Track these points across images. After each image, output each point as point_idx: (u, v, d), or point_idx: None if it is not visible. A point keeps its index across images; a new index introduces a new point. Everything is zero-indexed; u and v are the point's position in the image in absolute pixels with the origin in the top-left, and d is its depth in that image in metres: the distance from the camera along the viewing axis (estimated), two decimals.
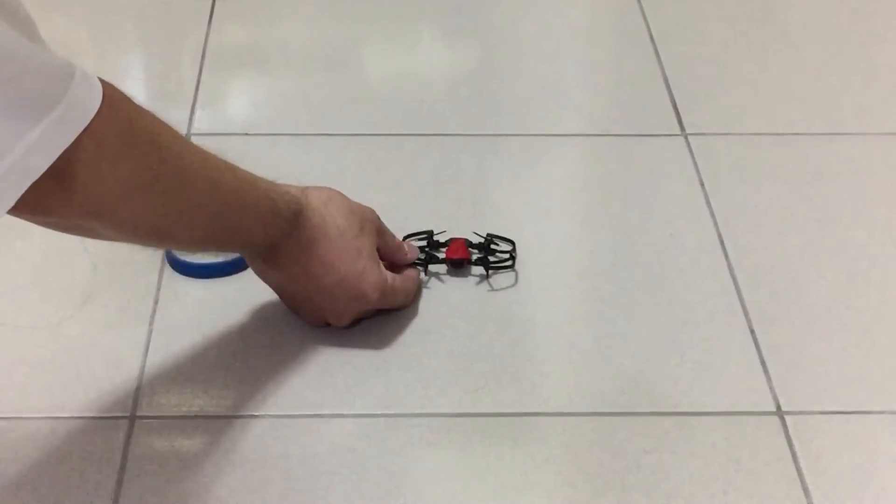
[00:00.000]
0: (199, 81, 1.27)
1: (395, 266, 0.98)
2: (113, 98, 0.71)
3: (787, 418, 0.90)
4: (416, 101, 1.26)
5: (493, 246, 1.03)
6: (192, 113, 1.22)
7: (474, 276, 1.02)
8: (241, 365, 0.93)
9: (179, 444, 0.87)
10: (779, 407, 0.91)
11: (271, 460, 0.86)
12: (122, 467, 0.85)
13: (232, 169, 0.84)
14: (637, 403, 0.91)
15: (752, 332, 0.98)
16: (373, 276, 0.92)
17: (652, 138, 1.20)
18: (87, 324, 0.97)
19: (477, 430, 0.89)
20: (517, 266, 1.02)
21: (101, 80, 0.71)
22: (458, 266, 1.02)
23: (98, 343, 0.95)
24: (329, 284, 0.91)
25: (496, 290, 1.01)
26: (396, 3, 1.42)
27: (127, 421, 0.89)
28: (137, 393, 0.91)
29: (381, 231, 0.96)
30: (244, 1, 1.42)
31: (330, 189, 0.94)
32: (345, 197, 0.94)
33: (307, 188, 0.91)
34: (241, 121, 1.26)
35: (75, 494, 0.83)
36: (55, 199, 0.69)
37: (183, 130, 1.19)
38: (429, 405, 0.91)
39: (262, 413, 0.90)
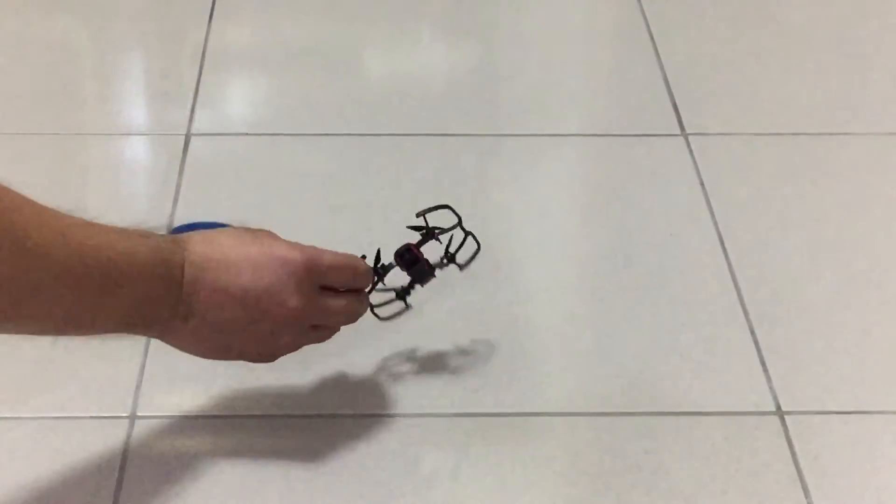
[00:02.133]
0: (199, 81, 1.27)
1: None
2: None
3: (787, 418, 0.90)
4: (416, 101, 1.26)
5: (437, 229, 0.91)
6: (192, 113, 1.22)
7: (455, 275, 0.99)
8: (241, 365, 0.93)
9: (179, 444, 0.87)
10: (779, 407, 0.91)
11: (271, 460, 0.86)
12: (122, 467, 0.85)
13: (96, 228, 0.73)
14: (637, 403, 0.91)
15: (752, 332, 0.97)
16: (284, 243, 0.80)
17: (652, 138, 1.20)
18: None
19: (477, 430, 0.89)
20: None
21: None
22: (423, 278, 0.91)
23: (98, 343, 0.95)
24: (249, 281, 0.78)
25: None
26: (396, 3, 1.42)
27: (127, 421, 0.89)
28: (137, 393, 0.91)
29: (311, 272, 0.81)
30: (244, 1, 1.42)
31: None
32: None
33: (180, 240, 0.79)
34: (241, 121, 1.26)
35: (75, 494, 0.83)
36: None
37: (183, 130, 1.19)
38: (429, 405, 0.91)
39: (263, 413, 0.90)
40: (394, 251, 0.89)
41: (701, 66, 1.32)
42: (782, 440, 0.89)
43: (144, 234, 0.76)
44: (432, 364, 0.94)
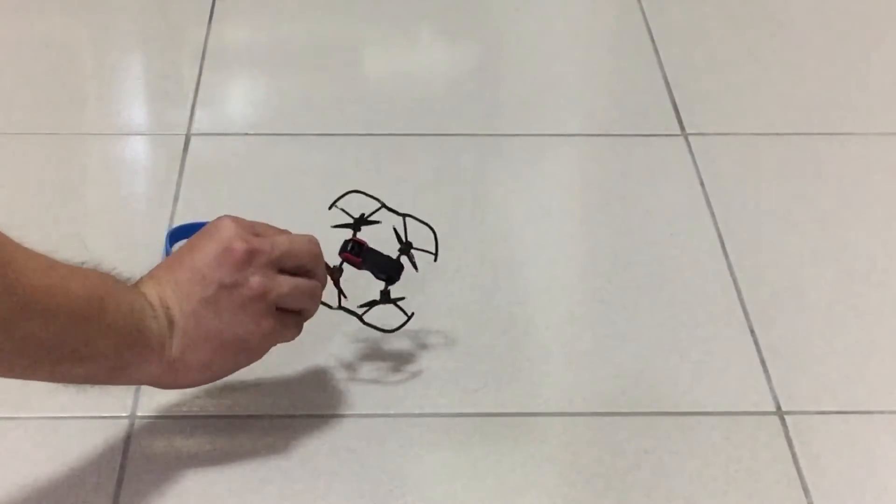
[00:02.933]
0: (199, 81, 1.27)
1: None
2: None
3: (787, 418, 0.90)
4: (416, 101, 1.26)
5: (363, 216, 0.90)
6: (192, 113, 1.22)
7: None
8: None
9: (179, 444, 0.87)
10: (779, 407, 0.91)
11: (271, 460, 0.86)
12: (122, 467, 0.85)
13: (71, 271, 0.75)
14: (637, 403, 0.91)
15: (752, 332, 0.97)
16: (225, 222, 0.82)
17: (652, 138, 1.20)
18: None
19: (477, 430, 0.89)
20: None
21: None
22: (363, 252, 0.89)
23: None
24: (198, 262, 0.80)
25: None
26: (396, 3, 1.42)
27: (127, 421, 0.89)
28: (137, 393, 0.91)
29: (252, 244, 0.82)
30: (244, 1, 1.42)
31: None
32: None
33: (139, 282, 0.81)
34: (241, 121, 1.26)
35: (75, 494, 0.83)
36: None
37: (183, 130, 1.19)
38: (429, 405, 0.91)
39: (263, 413, 0.90)
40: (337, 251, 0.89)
41: (701, 66, 1.32)
42: (782, 440, 0.88)
43: (102, 274, 0.78)
44: (432, 364, 0.94)
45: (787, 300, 1.01)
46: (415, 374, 0.93)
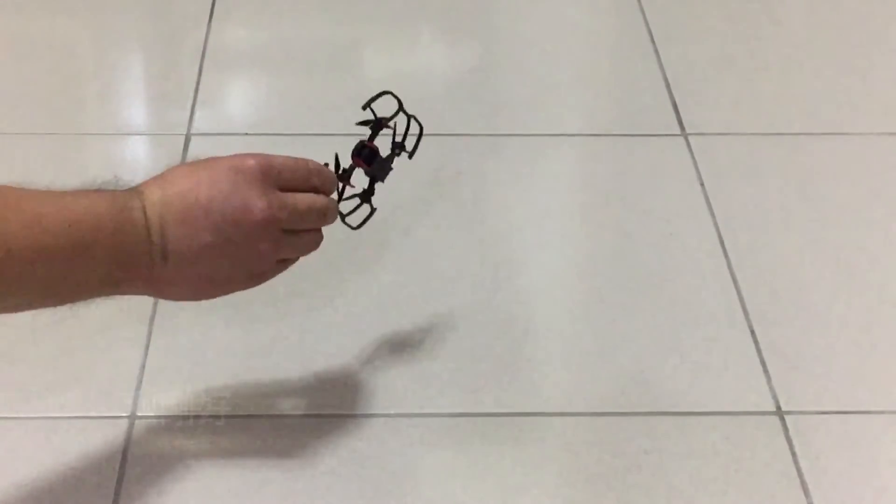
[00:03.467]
0: (199, 81, 1.27)
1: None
2: None
3: (787, 418, 0.90)
4: (416, 101, 1.26)
5: (382, 119, 0.89)
6: (192, 113, 1.22)
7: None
8: (241, 365, 0.93)
9: (179, 444, 0.87)
10: (779, 407, 0.91)
11: (271, 460, 0.86)
12: (122, 467, 0.85)
13: (53, 200, 0.73)
14: (637, 403, 0.91)
15: (752, 332, 0.98)
16: (226, 156, 0.81)
17: (652, 138, 1.20)
18: (88, 324, 0.97)
19: (477, 430, 0.89)
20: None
21: None
22: (372, 160, 0.88)
23: (98, 343, 0.95)
24: (207, 196, 0.77)
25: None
26: (396, 3, 1.42)
27: (127, 421, 0.89)
28: (137, 393, 0.91)
29: (266, 171, 0.82)
30: (244, 1, 1.42)
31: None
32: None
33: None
34: (241, 121, 1.26)
35: (75, 494, 0.83)
36: None
37: (183, 130, 1.19)
38: (429, 405, 0.91)
39: (263, 413, 0.90)
40: (350, 153, 0.87)
41: (701, 66, 1.32)
42: (782, 440, 0.89)
43: (99, 191, 0.76)
44: (432, 364, 0.94)
45: (787, 300, 1.01)
46: (415, 374, 0.93)
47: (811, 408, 0.91)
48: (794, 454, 0.87)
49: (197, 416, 0.89)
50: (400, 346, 0.95)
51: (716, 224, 1.08)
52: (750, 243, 1.06)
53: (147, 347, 0.94)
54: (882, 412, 0.91)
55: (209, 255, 0.78)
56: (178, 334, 0.96)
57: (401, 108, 0.90)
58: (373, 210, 0.90)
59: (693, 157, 1.17)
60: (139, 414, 0.89)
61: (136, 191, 0.77)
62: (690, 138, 1.19)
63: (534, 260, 1.04)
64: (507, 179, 1.15)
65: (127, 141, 1.22)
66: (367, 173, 0.89)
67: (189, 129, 1.19)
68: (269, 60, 1.34)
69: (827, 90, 1.28)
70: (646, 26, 1.37)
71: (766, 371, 0.94)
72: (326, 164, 0.86)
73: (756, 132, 1.21)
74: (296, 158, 0.84)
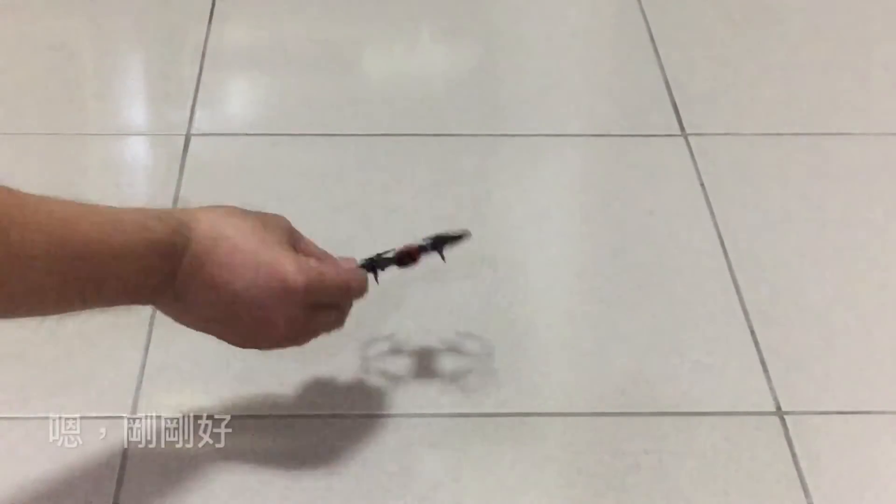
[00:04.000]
0: (199, 81, 1.27)
1: None
2: None
3: (787, 418, 0.90)
4: (416, 101, 1.26)
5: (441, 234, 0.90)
6: (192, 113, 1.22)
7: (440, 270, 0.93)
8: (241, 365, 0.93)
9: (179, 445, 0.87)
10: (779, 407, 0.91)
11: (271, 460, 0.86)
12: (122, 467, 0.85)
13: (87, 215, 0.74)
14: (637, 403, 0.91)
15: (752, 332, 0.98)
16: (290, 259, 0.79)
17: (652, 138, 1.20)
18: (87, 324, 0.97)
19: (477, 430, 0.89)
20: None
21: None
22: (407, 262, 0.88)
23: (98, 343, 0.95)
24: (243, 286, 0.77)
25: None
26: (396, 3, 1.42)
27: (127, 421, 0.89)
28: (137, 393, 0.91)
29: (295, 237, 0.83)
30: (244, 1, 1.42)
31: (222, 205, 0.82)
32: (240, 207, 0.82)
33: (192, 209, 0.80)
34: (241, 121, 1.26)
35: (75, 494, 0.83)
36: None
37: (183, 131, 1.19)
38: (429, 405, 0.91)
39: (263, 413, 0.90)
40: (398, 250, 0.88)
41: (701, 66, 1.32)
42: (782, 440, 0.89)
43: (144, 226, 0.75)
44: (432, 364, 0.94)
45: (787, 300, 1.01)
46: (415, 374, 0.93)
47: (811, 408, 0.91)
48: (794, 454, 0.87)
49: (196, 417, 0.89)
50: (400, 346, 0.95)
51: (716, 224, 1.08)
52: (750, 243, 1.06)
53: (147, 347, 0.94)
54: (882, 412, 0.91)
55: (216, 320, 0.80)
56: (178, 334, 0.95)
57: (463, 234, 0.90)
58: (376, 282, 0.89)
59: (693, 157, 1.17)
60: (139, 414, 0.89)
61: (185, 231, 0.77)
62: (690, 138, 1.19)
63: (534, 260, 1.04)
64: (507, 179, 1.15)
65: (127, 141, 1.22)
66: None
67: (189, 129, 1.19)
68: (269, 60, 1.34)
69: (827, 90, 1.28)
70: (646, 26, 1.37)
71: (766, 371, 0.94)
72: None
73: (756, 132, 1.21)
74: (343, 276, 0.83)
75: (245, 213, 0.80)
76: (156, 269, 0.76)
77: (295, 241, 0.82)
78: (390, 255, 0.87)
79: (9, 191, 0.70)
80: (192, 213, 0.79)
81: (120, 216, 0.75)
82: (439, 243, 0.89)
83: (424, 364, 0.94)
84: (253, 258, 0.77)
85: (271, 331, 0.80)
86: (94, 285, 0.74)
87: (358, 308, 0.99)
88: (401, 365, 0.94)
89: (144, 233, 0.75)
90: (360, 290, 0.85)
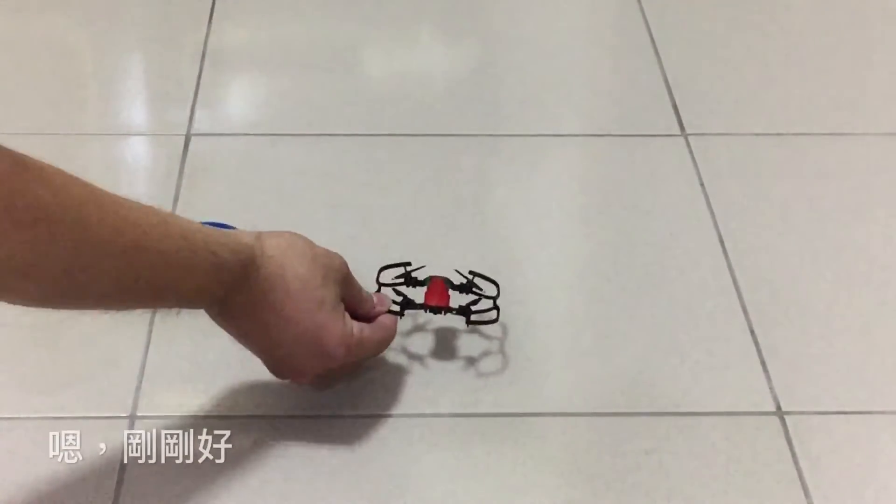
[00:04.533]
0: (199, 81, 1.27)
1: (362, 318, 0.89)
2: None
3: (787, 418, 0.90)
4: (416, 101, 1.26)
5: (475, 289, 0.93)
6: (192, 113, 1.22)
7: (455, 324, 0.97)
8: (241, 365, 0.93)
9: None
10: (779, 407, 0.91)
11: (271, 460, 0.86)
12: (122, 467, 0.85)
13: (163, 224, 0.77)
14: (637, 403, 0.91)
15: (752, 332, 0.98)
16: (336, 330, 0.84)
17: (652, 138, 1.20)
18: (87, 324, 0.97)
19: (477, 430, 0.89)
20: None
21: None
22: (437, 312, 0.92)
23: (98, 343, 0.95)
24: (287, 340, 0.83)
25: (482, 336, 0.97)
26: (396, 3, 1.42)
27: (127, 421, 0.89)
28: (137, 393, 0.91)
29: (348, 281, 0.88)
30: (244, 1, 1.42)
31: (292, 234, 0.86)
32: (309, 242, 0.86)
33: (264, 234, 0.83)
34: (241, 121, 1.26)
35: (75, 494, 0.83)
36: None
37: (183, 131, 1.19)
38: (429, 405, 0.91)
39: (262, 413, 0.90)
40: (429, 287, 0.93)
41: (701, 66, 1.32)
42: (782, 440, 0.89)
43: (213, 252, 0.79)
44: (432, 364, 0.94)
45: (787, 300, 1.01)
46: (415, 374, 0.93)
47: (811, 408, 0.91)
48: (794, 454, 0.87)
49: (196, 416, 0.89)
50: (400, 346, 0.95)
51: (716, 224, 1.08)
52: (750, 243, 1.06)
53: (147, 347, 0.94)
54: (882, 412, 0.91)
55: (247, 345, 0.86)
56: (178, 334, 0.96)
57: (496, 306, 0.94)
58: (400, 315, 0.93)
59: (693, 157, 1.17)
60: (139, 414, 0.89)
61: (255, 267, 0.81)
62: (690, 138, 1.19)
63: (534, 260, 1.04)
64: (507, 179, 1.15)
65: (127, 141, 1.22)
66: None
67: (189, 129, 1.19)
68: (269, 60, 1.34)
69: (827, 90, 1.28)
70: (646, 26, 1.37)
71: (766, 371, 0.94)
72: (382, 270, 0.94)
73: (756, 132, 1.21)
74: (378, 346, 0.90)
75: (311, 259, 0.84)
76: (213, 292, 0.80)
77: (347, 287, 0.87)
78: (421, 293, 0.92)
79: (87, 186, 0.74)
80: (262, 245, 0.82)
81: (193, 234, 0.78)
82: (467, 314, 0.93)
83: (424, 364, 0.94)
84: (304, 317, 0.83)
85: (297, 376, 0.88)
86: (154, 292, 0.78)
87: None
88: (401, 365, 0.94)
89: (211, 256, 0.78)
90: (389, 343, 0.92)
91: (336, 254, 0.87)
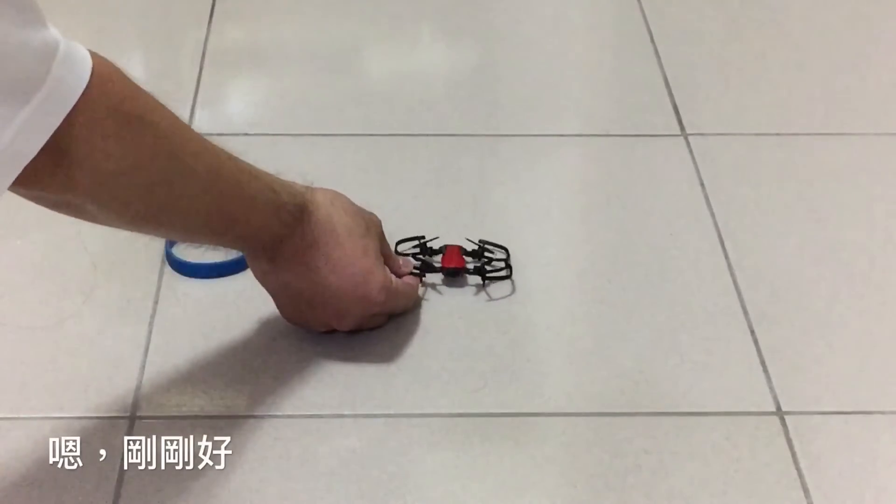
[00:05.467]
0: (199, 81, 1.27)
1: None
2: (104, 75, 0.71)
3: (787, 418, 0.90)
4: (416, 101, 1.26)
5: (487, 254, 1.02)
6: (192, 113, 1.22)
7: (471, 285, 1.01)
8: (241, 365, 0.93)
9: (179, 445, 0.87)
10: (779, 407, 0.91)
11: (271, 460, 0.86)
12: (122, 467, 0.85)
13: (233, 159, 0.83)
14: (637, 403, 0.91)
15: (752, 332, 0.98)
16: (379, 276, 0.91)
17: (652, 138, 1.20)
18: (87, 324, 0.97)
19: (477, 430, 0.89)
20: (514, 273, 1.02)
21: (94, 55, 0.71)
22: (454, 275, 1.00)
23: (98, 343, 0.95)
24: (335, 282, 0.89)
25: (494, 299, 1.00)
26: (396, 3, 1.42)
27: (127, 421, 0.89)
28: (137, 393, 0.91)
29: (382, 237, 0.96)
30: (244, 1, 1.42)
31: (335, 190, 0.93)
32: (349, 199, 0.93)
33: (312, 187, 0.91)
34: (241, 121, 1.26)
35: (75, 494, 0.83)
36: (49, 176, 0.69)
37: None
38: (429, 405, 0.91)
39: (262, 413, 0.90)
40: (446, 250, 1.01)
41: (701, 66, 1.32)
42: (782, 440, 0.89)
43: (273, 189, 0.86)
44: (432, 364, 0.94)
45: (787, 300, 1.01)
46: (415, 374, 0.93)
47: (811, 408, 0.91)
48: (794, 454, 0.87)
49: (197, 416, 0.89)
50: (400, 346, 0.95)
51: (716, 224, 1.08)
52: (750, 243, 1.06)
53: (147, 347, 0.94)
54: (882, 412, 0.91)
55: (286, 295, 0.92)
56: (178, 334, 0.96)
57: (507, 265, 1.02)
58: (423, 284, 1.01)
59: (693, 157, 1.17)
60: (139, 414, 0.89)
61: (308, 211, 0.88)
62: (690, 138, 1.19)
63: (534, 260, 1.04)
64: (507, 179, 1.15)
65: None
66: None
67: None
68: (269, 60, 1.34)
69: (827, 90, 1.28)
70: (646, 26, 1.37)
71: (766, 371, 0.94)
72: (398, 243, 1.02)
73: (756, 132, 1.21)
74: (407, 301, 0.97)
75: (354, 212, 0.92)
76: (274, 231, 0.86)
77: (382, 243, 0.95)
78: (437, 260, 1.01)
79: (178, 120, 0.78)
80: (313, 194, 0.89)
81: (257, 172, 0.85)
82: (483, 273, 1.01)
83: (424, 364, 0.94)
84: (350, 262, 0.89)
85: (337, 320, 0.93)
86: (223, 223, 0.84)
87: None
88: (401, 365, 0.94)
89: (273, 195, 0.85)
90: (413, 300, 0.98)
91: (372, 212, 0.95)
